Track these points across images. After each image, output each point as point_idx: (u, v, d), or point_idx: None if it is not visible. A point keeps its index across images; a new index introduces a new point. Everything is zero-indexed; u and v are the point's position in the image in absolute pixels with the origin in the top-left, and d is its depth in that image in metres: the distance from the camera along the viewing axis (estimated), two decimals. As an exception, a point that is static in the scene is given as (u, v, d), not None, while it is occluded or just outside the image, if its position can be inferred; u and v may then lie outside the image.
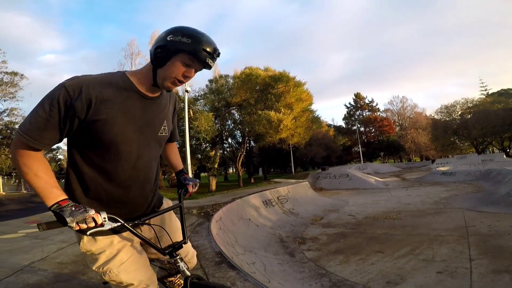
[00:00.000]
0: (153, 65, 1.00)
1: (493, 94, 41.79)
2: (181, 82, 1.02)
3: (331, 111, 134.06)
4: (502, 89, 42.90)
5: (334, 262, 4.30)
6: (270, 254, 4.74)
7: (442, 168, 19.41)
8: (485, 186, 11.49)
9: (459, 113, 37.05)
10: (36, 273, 2.79)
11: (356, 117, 50.04)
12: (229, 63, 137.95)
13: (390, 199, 10.78)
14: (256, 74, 18.17)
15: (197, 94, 20.84)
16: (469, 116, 34.58)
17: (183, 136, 12.75)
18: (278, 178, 22.56)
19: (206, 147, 18.86)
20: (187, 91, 13.65)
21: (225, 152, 24.64)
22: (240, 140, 22.58)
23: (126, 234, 1.11)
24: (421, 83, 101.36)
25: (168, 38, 0.95)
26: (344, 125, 50.89)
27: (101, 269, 1.05)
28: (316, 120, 26.12)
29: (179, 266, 1.12)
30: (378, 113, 49.01)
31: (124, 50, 24.12)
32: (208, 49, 0.96)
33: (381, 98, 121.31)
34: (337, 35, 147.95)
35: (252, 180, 23.91)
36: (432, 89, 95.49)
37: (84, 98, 0.92)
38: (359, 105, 50.45)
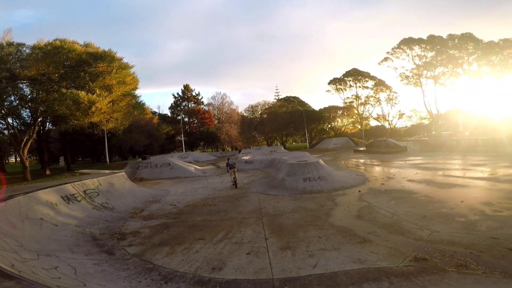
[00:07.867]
0: None
1: (281, 99, 56.82)
2: None
3: (160, 98, 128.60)
4: (286, 96, 59.71)
5: (160, 254, 4.40)
6: (80, 255, 4.26)
7: (245, 157, 23.93)
8: (271, 172, 15.36)
9: (259, 112, 48.89)
10: None
11: (182, 107, 51.85)
12: (31, 29, 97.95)
13: (207, 186, 12.16)
14: (69, 48, 14.99)
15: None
16: (265, 116, 46.19)
17: None
18: (88, 169, 19.24)
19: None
20: None
21: (3, 135, 17.55)
22: (29, 121, 17.05)
23: None
24: (240, 83, 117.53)
25: None
26: (169, 114, 51.03)
27: None
28: (138, 106, 24.27)
29: None
30: (202, 106, 53.19)
31: None
32: None
33: (207, 92, 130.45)
34: (182, 21, 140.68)
35: (48, 172, 18.83)
36: (247, 89, 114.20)
37: None
38: (186, 97, 52.47)
